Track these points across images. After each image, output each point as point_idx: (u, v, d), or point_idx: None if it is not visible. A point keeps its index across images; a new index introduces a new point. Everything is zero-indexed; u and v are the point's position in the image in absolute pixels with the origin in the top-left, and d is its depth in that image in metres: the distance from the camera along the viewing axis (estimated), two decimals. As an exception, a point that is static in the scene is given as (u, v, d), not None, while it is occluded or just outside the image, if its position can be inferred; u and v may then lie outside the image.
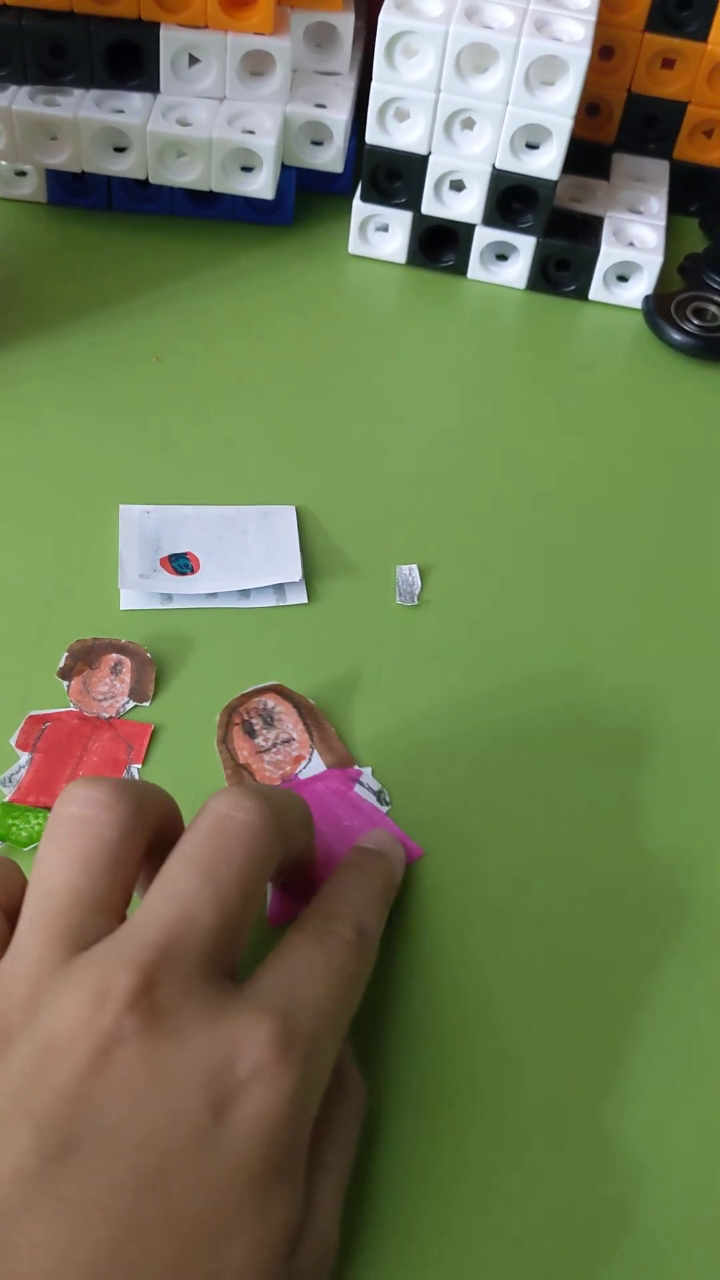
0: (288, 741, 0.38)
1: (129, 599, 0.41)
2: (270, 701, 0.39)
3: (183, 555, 0.43)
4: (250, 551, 0.43)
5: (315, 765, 0.38)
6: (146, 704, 0.39)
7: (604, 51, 0.55)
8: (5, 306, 0.51)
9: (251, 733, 0.38)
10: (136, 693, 0.39)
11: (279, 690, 0.39)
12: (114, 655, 0.40)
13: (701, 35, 0.53)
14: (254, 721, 0.38)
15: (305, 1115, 0.26)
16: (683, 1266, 0.30)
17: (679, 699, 0.41)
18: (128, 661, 0.39)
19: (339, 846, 0.35)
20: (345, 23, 0.53)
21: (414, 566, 0.44)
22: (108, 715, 0.38)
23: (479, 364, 0.52)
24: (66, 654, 0.40)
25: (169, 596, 0.42)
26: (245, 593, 0.42)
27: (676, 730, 0.40)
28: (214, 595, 0.42)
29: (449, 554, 0.44)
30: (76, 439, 0.47)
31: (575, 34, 0.48)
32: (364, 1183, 0.30)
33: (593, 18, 0.48)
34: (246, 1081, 0.25)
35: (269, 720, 0.38)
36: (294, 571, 0.42)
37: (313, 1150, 0.27)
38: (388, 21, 0.48)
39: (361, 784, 0.37)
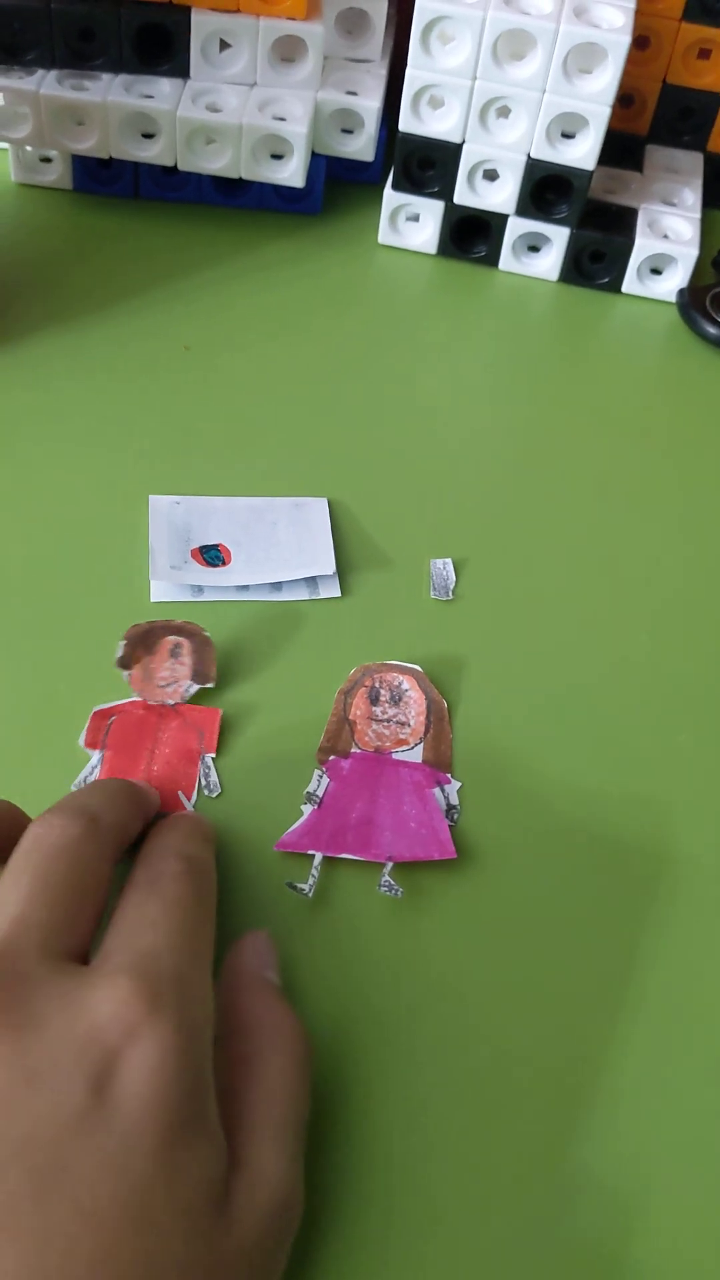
0: (402, 724, 0.38)
1: (160, 590, 0.41)
2: (406, 683, 0.38)
3: (214, 547, 0.42)
4: (282, 544, 0.42)
5: (413, 756, 0.37)
6: (211, 685, 0.38)
7: (639, 41, 0.54)
8: (30, 295, 0.50)
9: (375, 699, 0.38)
10: (199, 675, 0.38)
11: (417, 675, 0.39)
12: (171, 638, 0.39)
13: (740, 25, 0.52)
14: (382, 691, 0.38)
15: (197, 1058, 0.25)
16: None
17: (716, 686, 0.40)
18: (186, 643, 0.38)
19: (380, 819, 0.36)
20: (378, 9, 0.52)
21: (448, 560, 0.43)
22: (173, 702, 0.37)
23: (510, 356, 0.51)
24: (123, 641, 0.38)
25: (200, 589, 0.41)
26: (277, 586, 0.41)
27: (710, 714, 0.39)
28: (245, 588, 0.41)
29: (482, 548, 0.43)
30: (104, 429, 0.46)
31: (615, 21, 0.47)
32: (335, 1220, 0.29)
33: (632, 4, 0.48)
34: (121, 1047, 0.24)
35: (396, 698, 0.38)
36: (327, 564, 0.42)
37: (233, 1092, 0.26)
38: (425, 6, 0.47)
39: (442, 790, 0.37)
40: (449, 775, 0.37)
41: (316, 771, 0.36)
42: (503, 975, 0.33)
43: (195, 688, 0.38)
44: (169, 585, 0.41)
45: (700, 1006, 0.33)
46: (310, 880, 0.34)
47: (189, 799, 0.35)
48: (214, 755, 0.37)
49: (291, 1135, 0.27)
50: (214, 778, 0.36)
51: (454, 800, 0.37)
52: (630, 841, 0.36)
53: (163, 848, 0.31)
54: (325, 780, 0.36)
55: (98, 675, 0.38)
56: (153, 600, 0.40)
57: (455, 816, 0.36)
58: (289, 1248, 0.26)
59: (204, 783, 0.36)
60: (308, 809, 0.36)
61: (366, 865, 0.35)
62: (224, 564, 0.41)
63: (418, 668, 0.39)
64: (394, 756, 0.37)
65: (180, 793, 0.36)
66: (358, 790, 0.36)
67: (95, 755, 0.36)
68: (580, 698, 0.40)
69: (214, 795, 0.36)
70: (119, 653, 0.38)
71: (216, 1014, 0.28)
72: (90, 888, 0.29)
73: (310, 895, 0.34)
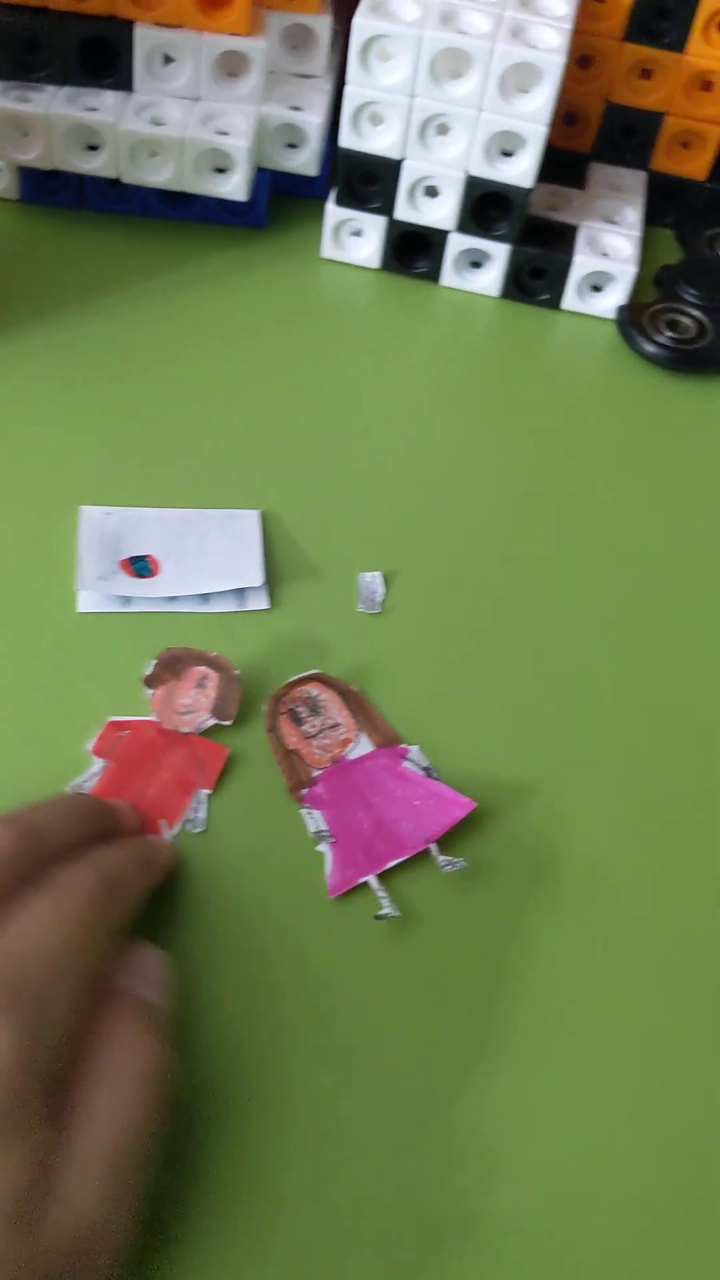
0: (334, 727, 0.38)
1: (86, 601, 0.41)
2: (314, 690, 0.39)
3: (143, 558, 0.42)
4: (211, 555, 0.42)
5: (363, 746, 0.38)
6: (228, 723, 0.38)
7: (582, 60, 0.55)
8: (-27, 303, 0.51)
9: (298, 720, 0.38)
10: (219, 710, 0.38)
11: (321, 679, 0.39)
12: (201, 668, 0.38)
13: (679, 46, 0.53)
14: (300, 709, 0.38)
15: (30, 1069, 0.25)
16: (536, 1256, 0.29)
17: (644, 694, 0.40)
18: (215, 677, 0.38)
19: (391, 815, 0.36)
20: (322, 25, 0.52)
21: (378, 574, 0.43)
22: (187, 730, 0.37)
23: (450, 371, 0.52)
24: (155, 661, 0.38)
25: (128, 599, 0.41)
26: (205, 597, 0.42)
27: (637, 710, 0.40)
28: (174, 599, 0.41)
29: (414, 562, 0.44)
30: (39, 438, 0.46)
31: (551, 41, 0.48)
32: (193, 1176, 0.30)
33: (569, 25, 0.48)
34: None
35: (314, 708, 0.38)
36: (255, 576, 0.42)
37: (69, 1111, 0.26)
38: (362, 24, 0.48)
39: (410, 760, 0.38)
40: (403, 744, 0.38)
41: (303, 811, 0.37)
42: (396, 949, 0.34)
43: (212, 722, 0.38)
44: (96, 596, 0.41)
45: (578, 983, 0.34)
46: (385, 900, 0.34)
47: (171, 828, 0.36)
48: (209, 792, 0.37)
49: (122, 1168, 0.26)
50: (203, 814, 0.36)
51: (424, 762, 0.38)
52: (546, 841, 0.37)
53: (93, 860, 0.31)
54: (317, 813, 0.36)
55: (15, 687, 0.38)
56: (79, 610, 0.41)
57: (435, 774, 0.37)
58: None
59: (192, 816, 0.36)
60: (325, 847, 0.36)
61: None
62: (152, 575, 0.42)
63: (315, 670, 0.40)
64: (350, 758, 0.38)
65: (164, 821, 0.36)
66: (350, 804, 0.37)
67: (98, 764, 0.37)
68: (506, 710, 0.40)
69: (198, 831, 0.36)
70: (147, 670, 0.38)
71: (77, 1026, 0.27)
72: (6, 901, 0.28)
73: (398, 913, 0.34)
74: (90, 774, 0.36)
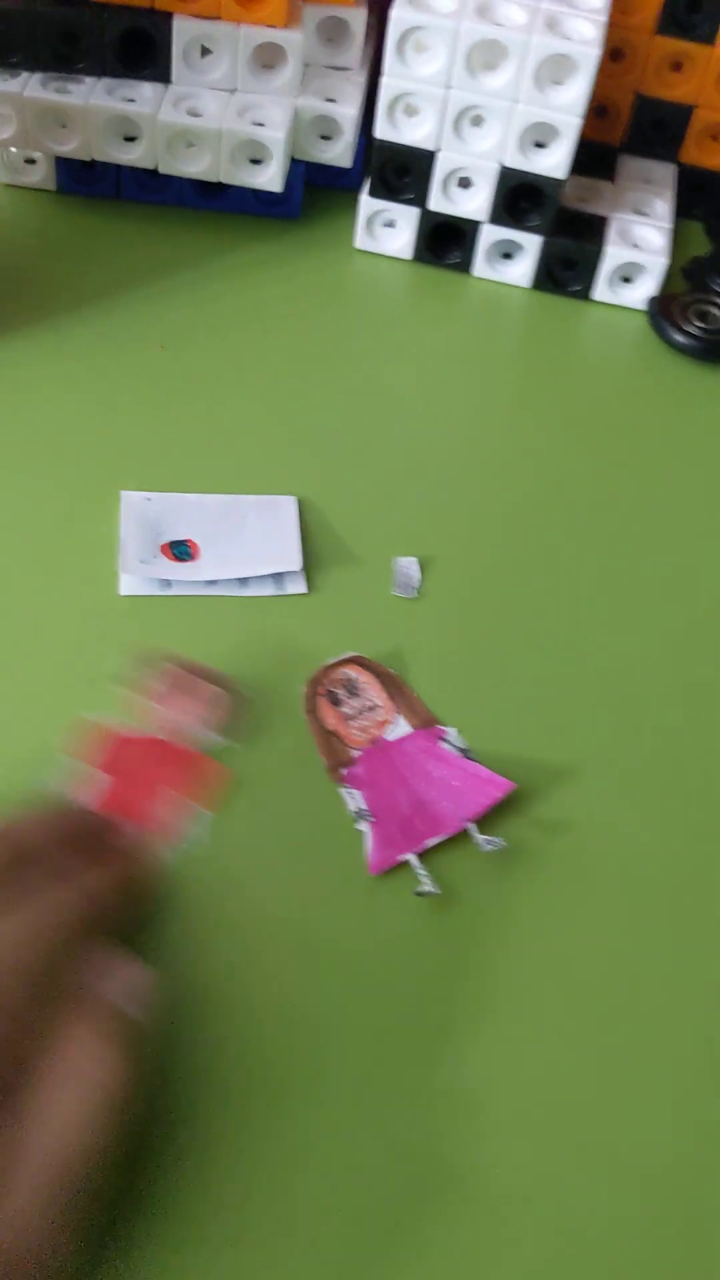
0: (372, 709, 0.39)
1: (128, 584, 0.41)
2: (352, 672, 0.39)
3: (183, 542, 0.43)
4: (250, 540, 0.43)
5: (401, 728, 0.39)
6: (235, 745, 0.38)
7: (614, 53, 0.55)
8: (12, 293, 0.51)
9: (336, 701, 0.39)
10: (225, 729, 0.38)
11: (359, 661, 0.40)
12: (209, 685, 0.38)
13: (710, 38, 0.53)
14: (338, 691, 0.39)
15: None
16: (521, 1214, 0.30)
17: (678, 678, 0.41)
18: (222, 694, 0.38)
19: (429, 796, 0.37)
20: (357, 18, 0.53)
21: (413, 559, 0.44)
22: (191, 747, 0.37)
23: (482, 361, 0.52)
24: (165, 674, 0.38)
25: (168, 583, 0.42)
26: (244, 581, 0.42)
27: (672, 694, 0.40)
28: (213, 583, 0.42)
29: (448, 547, 0.44)
30: (80, 425, 0.47)
31: (586, 34, 0.48)
32: (177, 1133, 0.30)
33: (604, 18, 0.49)
34: None
35: (352, 690, 0.39)
36: (294, 561, 0.43)
37: (15, 1120, 0.25)
38: (400, 16, 0.48)
39: (447, 740, 0.38)
40: (440, 726, 0.39)
41: (342, 790, 0.37)
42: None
43: (218, 739, 0.38)
44: (137, 579, 0.42)
45: (615, 965, 0.34)
46: (426, 878, 0.35)
47: (168, 844, 0.35)
48: (207, 811, 0.36)
49: (63, 1188, 0.24)
50: (201, 832, 0.36)
51: (462, 743, 0.38)
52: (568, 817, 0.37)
53: (80, 877, 0.30)
54: (357, 792, 0.37)
55: (61, 667, 0.39)
56: (121, 594, 0.41)
57: (472, 755, 0.38)
58: None
59: (190, 834, 0.36)
60: (364, 825, 0.36)
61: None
62: (192, 559, 0.42)
63: (352, 653, 0.40)
64: (388, 739, 0.38)
65: (161, 836, 0.35)
66: (388, 784, 0.37)
67: (99, 774, 0.36)
68: (542, 693, 0.41)
69: (194, 851, 0.36)
70: (157, 683, 0.38)
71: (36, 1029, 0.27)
72: None
73: (438, 890, 0.35)
74: (89, 782, 0.36)
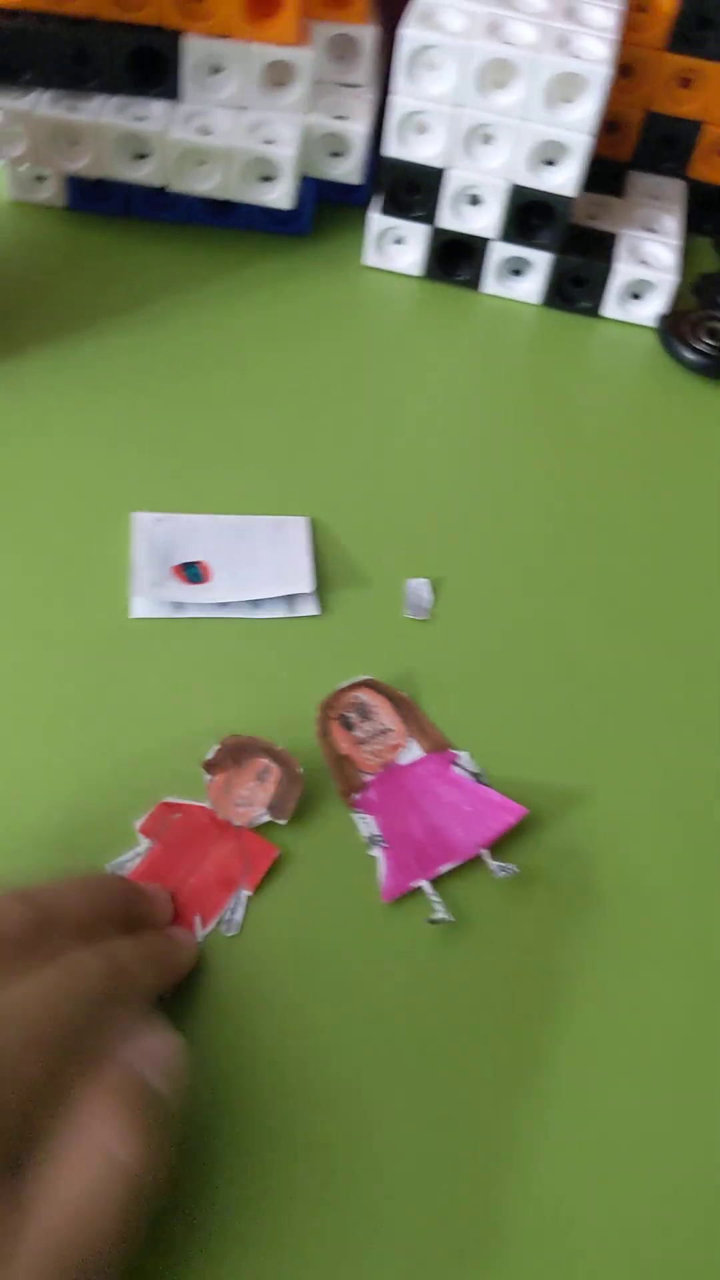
0: (384, 732, 0.39)
1: (140, 607, 0.42)
2: (363, 696, 0.39)
3: (194, 564, 0.43)
4: (262, 562, 0.43)
5: (413, 752, 0.39)
6: (283, 822, 0.36)
7: (623, 69, 0.55)
8: (20, 311, 0.51)
9: (349, 725, 0.39)
10: (276, 808, 0.36)
11: (371, 685, 0.40)
12: (263, 760, 0.37)
13: (720, 56, 0.53)
14: (350, 715, 0.39)
15: None
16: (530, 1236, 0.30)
17: (691, 702, 0.41)
18: (276, 771, 0.37)
19: (441, 822, 0.37)
20: (367, 35, 0.53)
21: (425, 580, 0.44)
22: (239, 824, 0.36)
23: (492, 378, 0.52)
24: (218, 746, 0.37)
25: (180, 605, 0.42)
26: (256, 603, 0.42)
27: (684, 718, 0.40)
28: (225, 604, 0.42)
29: (460, 568, 0.44)
30: (89, 445, 0.47)
31: (596, 52, 0.48)
32: (231, 1172, 0.30)
33: (614, 35, 0.49)
34: None
35: (364, 713, 0.39)
36: (305, 583, 0.43)
37: (31, 1192, 0.24)
38: (410, 35, 0.48)
39: (459, 765, 0.38)
40: (453, 750, 0.39)
41: (354, 815, 0.37)
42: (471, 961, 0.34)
43: (266, 818, 0.36)
44: (149, 601, 0.42)
45: (624, 992, 0.34)
46: (439, 905, 0.35)
47: (205, 926, 0.34)
48: (250, 893, 0.35)
49: (75, 1265, 0.23)
50: (239, 916, 0.35)
51: (474, 767, 0.38)
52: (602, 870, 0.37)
53: (106, 947, 0.29)
54: (370, 818, 0.37)
55: (73, 691, 0.39)
56: (132, 616, 0.41)
57: (485, 779, 0.38)
58: None
59: (228, 916, 0.35)
60: (377, 851, 0.36)
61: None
62: (204, 581, 0.42)
63: (364, 676, 0.40)
64: (400, 763, 0.38)
65: (198, 916, 0.34)
66: (401, 808, 0.37)
67: (145, 843, 0.36)
68: (554, 717, 0.41)
69: (231, 934, 0.34)
70: (209, 755, 0.37)
71: (51, 1104, 0.25)
72: (5, 970, 0.27)
73: (452, 918, 0.35)
74: (135, 853, 0.35)
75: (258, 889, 0.35)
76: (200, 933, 0.34)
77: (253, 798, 0.37)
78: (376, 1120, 0.32)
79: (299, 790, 0.37)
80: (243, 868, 0.35)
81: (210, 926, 0.34)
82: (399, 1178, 0.31)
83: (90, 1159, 0.24)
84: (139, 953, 0.30)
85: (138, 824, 0.36)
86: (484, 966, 0.34)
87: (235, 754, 0.37)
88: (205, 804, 0.37)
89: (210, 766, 0.37)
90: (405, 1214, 0.30)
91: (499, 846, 0.37)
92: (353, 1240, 0.30)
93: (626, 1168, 0.32)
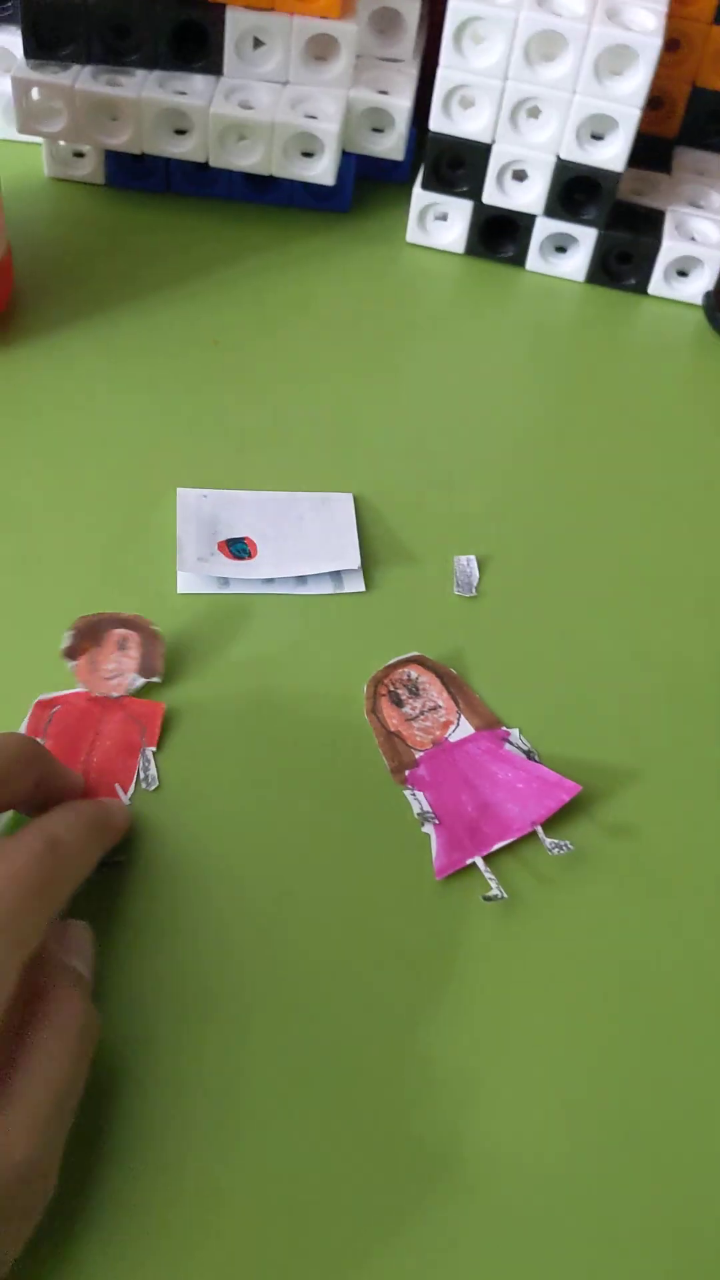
0: (434, 709, 0.38)
1: (186, 582, 0.41)
2: (414, 672, 0.39)
3: (240, 540, 0.42)
4: (308, 537, 0.43)
5: (464, 729, 0.38)
6: (157, 679, 0.38)
7: (670, 44, 0.54)
8: (62, 288, 0.51)
9: (399, 702, 0.38)
10: (146, 669, 0.38)
11: (421, 661, 0.39)
12: (120, 630, 0.38)
13: (771, 28, 0.53)
14: (400, 691, 0.39)
15: None
16: (504, 1201, 0.29)
17: (739, 698, 0.40)
18: (134, 636, 0.38)
19: (494, 799, 0.36)
20: (410, 8, 0.52)
21: (472, 557, 0.43)
22: (117, 694, 0.37)
23: (537, 356, 0.52)
24: (71, 632, 0.38)
25: (226, 581, 0.41)
26: (302, 579, 0.42)
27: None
28: (271, 580, 0.42)
29: (507, 545, 0.44)
30: (133, 422, 0.46)
31: (647, 23, 0.47)
32: (146, 1105, 0.30)
33: (664, 7, 0.48)
34: None
35: (414, 690, 0.39)
36: (352, 559, 0.42)
37: (6, 1063, 0.27)
38: (458, 7, 0.47)
39: (511, 743, 0.38)
40: (504, 727, 0.38)
41: (406, 792, 0.37)
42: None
43: (141, 681, 0.38)
44: (195, 577, 0.41)
45: (681, 971, 0.34)
46: (493, 882, 0.34)
47: (125, 791, 0.36)
48: (154, 749, 0.36)
49: (47, 1116, 0.27)
50: (153, 771, 0.36)
51: (526, 745, 0.38)
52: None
53: (38, 824, 0.31)
54: (421, 794, 0.37)
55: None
56: (179, 592, 0.41)
57: (536, 757, 0.37)
58: (34, 1219, 0.27)
59: (142, 776, 0.36)
60: (430, 828, 0.36)
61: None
62: (250, 557, 0.42)
63: (415, 653, 0.40)
64: (451, 740, 0.38)
65: (117, 785, 0.36)
66: (453, 786, 0.37)
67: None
68: (604, 694, 0.40)
69: (152, 789, 0.36)
70: (65, 643, 0.38)
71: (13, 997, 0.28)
72: None
73: (505, 895, 0.34)
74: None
75: (161, 745, 0.36)
76: (125, 797, 0.35)
77: (120, 667, 0.38)
78: (397, 1053, 0.31)
79: (161, 646, 0.38)
80: (138, 730, 0.37)
81: (131, 789, 0.35)
82: (391, 1109, 0.30)
83: (56, 1035, 0.28)
84: (74, 820, 0.31)
85: (22, 728, 0.36)
86: (536, 942, 0.34)
87: (91, 634, 0.38)
88: (79, 689, 0.37)
89: (71, 653, 0.38)
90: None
91: (550, 823, 0.36)
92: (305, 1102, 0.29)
93: (684, 1155, 0.31)
